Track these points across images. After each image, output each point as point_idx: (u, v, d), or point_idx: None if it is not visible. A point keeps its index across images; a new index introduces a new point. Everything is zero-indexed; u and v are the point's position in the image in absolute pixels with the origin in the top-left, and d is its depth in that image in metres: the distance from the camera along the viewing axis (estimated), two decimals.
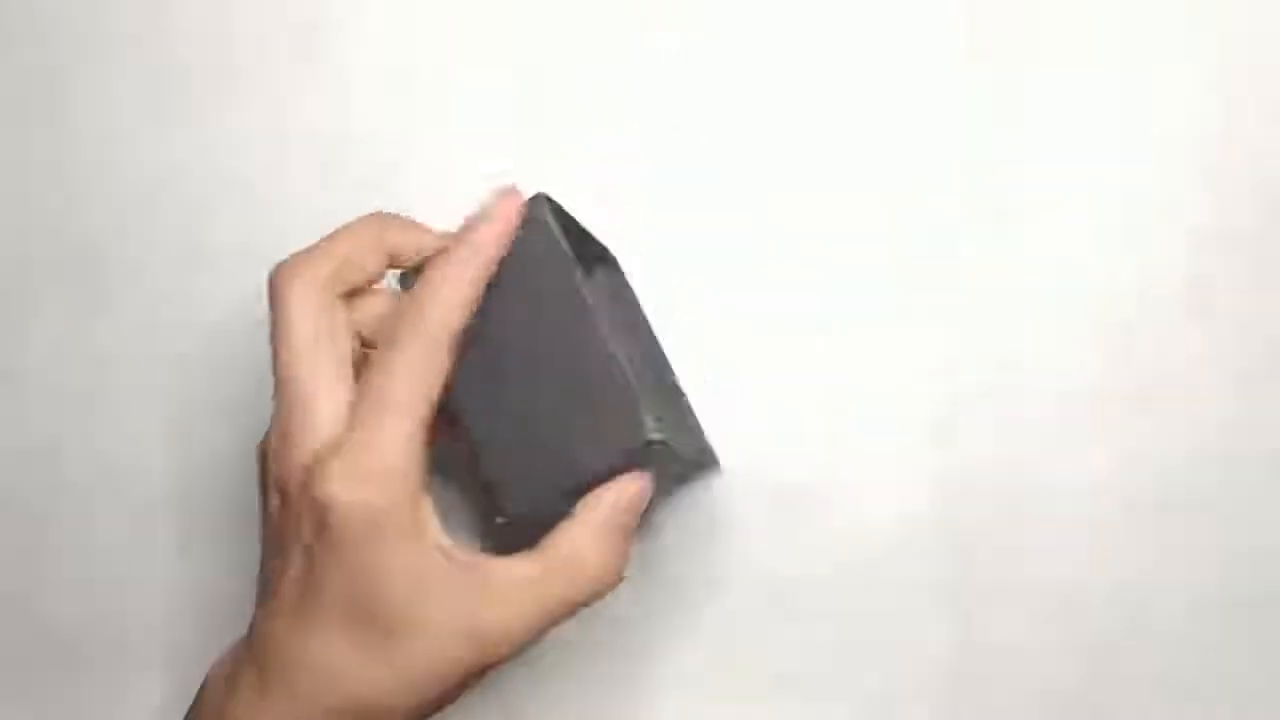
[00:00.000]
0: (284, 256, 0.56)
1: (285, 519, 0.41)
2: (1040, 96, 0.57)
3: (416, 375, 0.40)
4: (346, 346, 0.42)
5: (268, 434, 0.43)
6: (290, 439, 0.41)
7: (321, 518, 0.40)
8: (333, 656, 0.40)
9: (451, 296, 0.41)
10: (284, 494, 0.41)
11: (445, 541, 0.42)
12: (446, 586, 0.40)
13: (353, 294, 0.44)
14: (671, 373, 0.53)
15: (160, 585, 0.56)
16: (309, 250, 0.43)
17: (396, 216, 0.44)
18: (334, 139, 0.56)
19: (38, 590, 0.56)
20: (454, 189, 0.56)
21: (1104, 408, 0.57)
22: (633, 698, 0.56)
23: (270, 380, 0.56)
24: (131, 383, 0.56)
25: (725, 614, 0.56)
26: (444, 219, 0.56)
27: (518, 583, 0.41)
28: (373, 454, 0.40)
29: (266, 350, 0.56)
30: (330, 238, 0.43)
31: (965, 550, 0.57)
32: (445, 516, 0.55)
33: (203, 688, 0.44)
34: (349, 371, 0.42)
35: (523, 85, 0.57)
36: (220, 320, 0.56)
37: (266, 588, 0.42)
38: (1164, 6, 0.57)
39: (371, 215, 0.44)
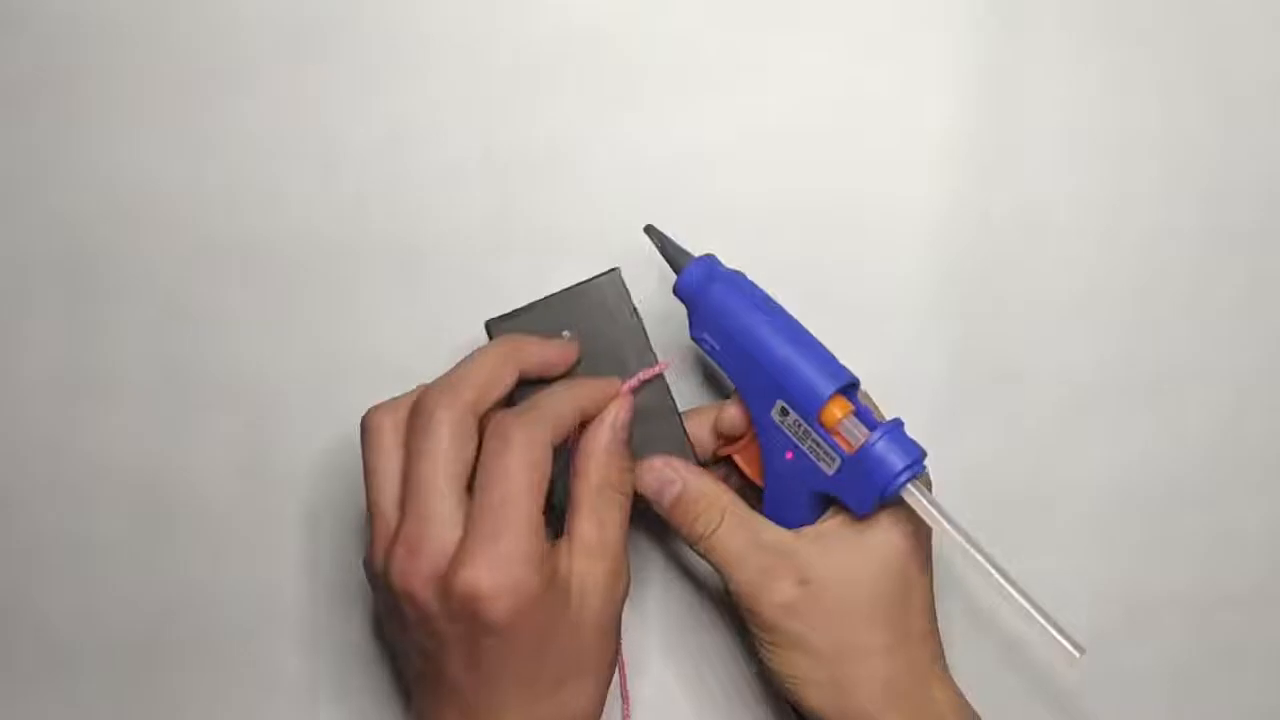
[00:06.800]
0: (290, 262, 0.56)
1: (425, 625, 0.45)
2: (1041, 97, 0.57)
3: (533, 475, 0.45)
4: (472, 463, 0.46)
5: (371, 550, 0.46)
6: (420, 551, 0.44)
7: (472, 610, 0.43)
8: (511, 715, 0.45)
9: (564, 409, 0.47)
10: (417, 602, 0.44)
11: (579, 602, 0.46)
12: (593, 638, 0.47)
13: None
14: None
15: (160, 586, 0.56)
16: (453, 380, 0.46)
17: (525, 341, 0.49)
18: (336, 138, 0.56)
19: (38, 590, 0.56)
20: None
21: (1105, 407, 0.57)
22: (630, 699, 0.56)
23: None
24: (132, 383, 0.56)
25: (726, 614, 0.56)
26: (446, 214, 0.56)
27: (597, 590, 0.46)
28: (505, 542, 0.43)
29: (267, 348, 0.56)
30: (469, 366, 0.47)
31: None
32: None
33: None
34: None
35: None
36: (222, 320, 0.56)
37: (424, 684, 0.47)
38: (1165, 8, 0.57)
39: (503, 342, 0.48)
